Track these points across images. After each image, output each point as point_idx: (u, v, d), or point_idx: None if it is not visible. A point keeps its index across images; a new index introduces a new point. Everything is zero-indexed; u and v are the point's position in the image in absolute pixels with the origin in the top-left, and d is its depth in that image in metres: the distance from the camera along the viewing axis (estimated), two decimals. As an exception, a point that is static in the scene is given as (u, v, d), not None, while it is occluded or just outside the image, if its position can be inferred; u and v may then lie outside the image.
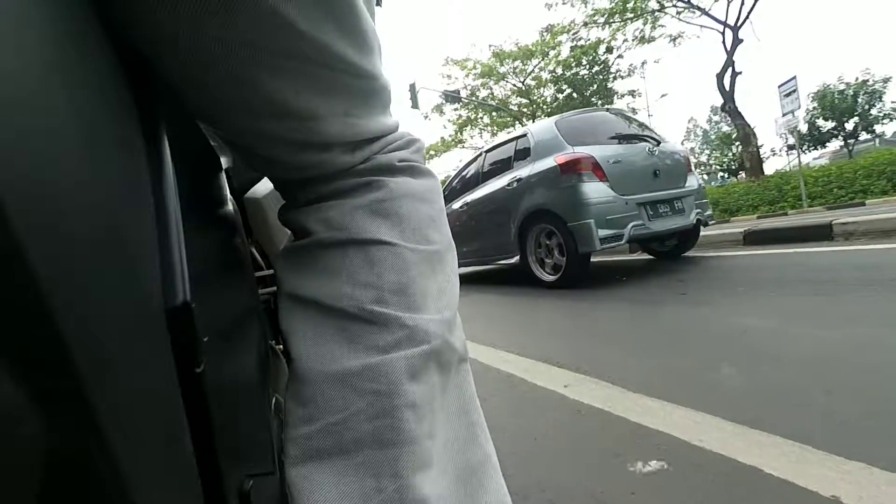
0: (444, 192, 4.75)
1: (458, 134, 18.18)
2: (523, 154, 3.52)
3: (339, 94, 0.33)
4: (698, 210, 3.32)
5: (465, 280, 4.55)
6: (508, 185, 3.49)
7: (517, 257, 3.43)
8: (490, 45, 17.72)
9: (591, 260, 3.27)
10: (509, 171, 3.63)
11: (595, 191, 2.91)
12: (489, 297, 3.45)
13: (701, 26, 11.95)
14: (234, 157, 0.51)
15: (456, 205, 4.38)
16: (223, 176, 0.40)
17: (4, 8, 0.13)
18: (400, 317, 0.34)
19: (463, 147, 18.55)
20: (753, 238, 3.87)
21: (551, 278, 3.17)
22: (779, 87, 7.95)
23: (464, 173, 4.63)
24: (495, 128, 16.82)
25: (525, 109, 16.42)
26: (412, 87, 13.13)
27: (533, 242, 3.31)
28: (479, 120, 17.65)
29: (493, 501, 0.37)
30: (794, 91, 7.75)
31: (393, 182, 0.38)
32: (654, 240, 3.62)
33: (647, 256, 4.08)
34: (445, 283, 0.39)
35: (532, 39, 18.30)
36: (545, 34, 15.27)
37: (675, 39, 12.83)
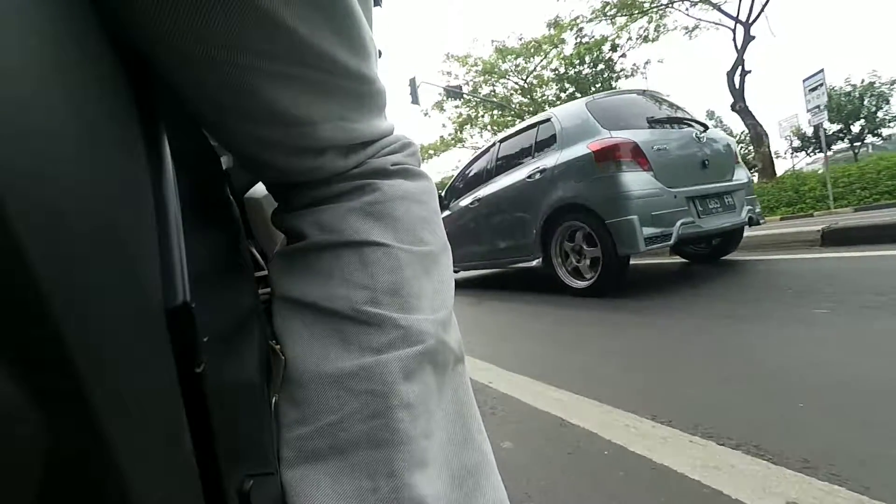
0: (449, 188, 4.29)
1: (458, 133, 18.18)
2: (547, 142, 3.04)
3: (336, 99, 0.33)
4: (749, 206, 2.86)
5: (475, 286, 4.11)
6: (529, 177, 3.04)
7: (539, 259, 2.98)
8: (493, 41, 17.69)
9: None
10: (530, 161, 3.16)
11: (638, 182, 2.43)
12: (518, 307, 2.78)
13: (710, 22, 11.85)
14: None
15: (465, 200, 3.94)
16: (223, 176, 0.40)
17: (4, 8, 0.13)
18: (394, 317, 0.34)
19: (463, 146, 18.56)
20: (835, 237, 3.13)
21: (582, 284, 2.72)
22: (803, 81, 7.52)
23: (473, 166, 4.14)
24: (496, 127, 16.82)
25: (527, 109, 16.42)
26: (412, 82, 12.82)
27: (559, 243, 2.86)
28: (480, 119, 17.65)
29: (490, 502, 0.37)
30: (822, 85, 7.19)
31: (386, 185, 0.38)
32: (700, 240, 3.15)
33: (679, 259, 3.50)
34: (440, 283, 0.39)
35: (536, 34, 18.27)
36: (552, 28, 15.22)
37: (691, 31, 12.69)
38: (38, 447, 0.13)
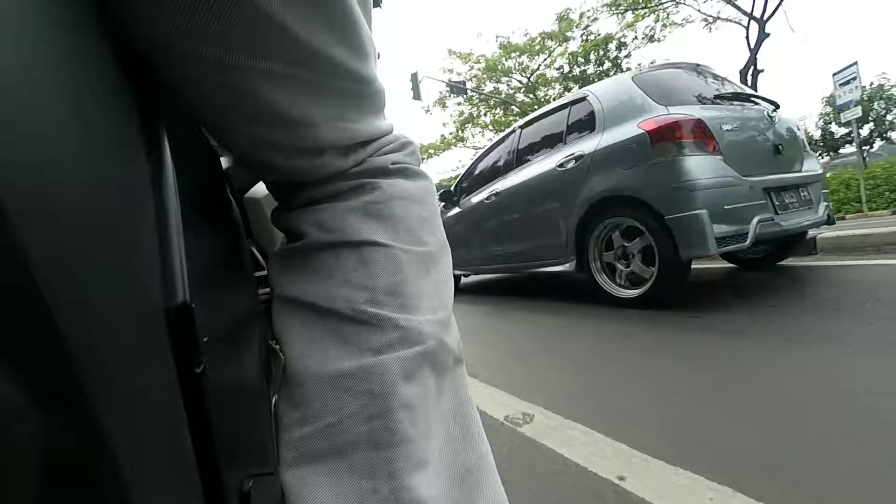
0: (460, 181, 4.13)
1: (459, 132, 18.17)
2: (583, 124, 2.55)
3: (335, 100, 0.33)
4: (825, 203, 2.42)
5: (492, 292, 3.68)
6: (560, 165, 2.56)
7: (572, 263, 2.49)
8: (497, 36, 17.64)
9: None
10: (561, 147, 2.66)
11: (705, 168, 1.95)
12: (556, 322, 2.19)
13: (726, 20, 11.71)
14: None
15: (480, 195, 3.48)
16: (223, 176, 0.40)
17: (4, 7, 0.13)
18: (393, 318, 0.34)
19: (464, 146, 18.56)
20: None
21: (631, 294, 2.23)
22: (833, 75, 7.12)
23: (489, 157, 3.61)
24: (497, 126, 16.80)
25: (530, 108, 16.42)
26: (414, 77, 12.46)
27: (599, 243, 2.37)
28: (481, 118, 17.63)
29: (490, 502, 0.37)
30: (854, 79, 6.60)
31: (386, 184, 0.38)
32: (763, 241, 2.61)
33: (724, 264, 2.98)
34: (439, 283, 0.39)
35: (542, 28, 18.22)
36: (561, 22, 15.17)
37: (711, 23, 12.49)
38: (38, 447, 0.13)
